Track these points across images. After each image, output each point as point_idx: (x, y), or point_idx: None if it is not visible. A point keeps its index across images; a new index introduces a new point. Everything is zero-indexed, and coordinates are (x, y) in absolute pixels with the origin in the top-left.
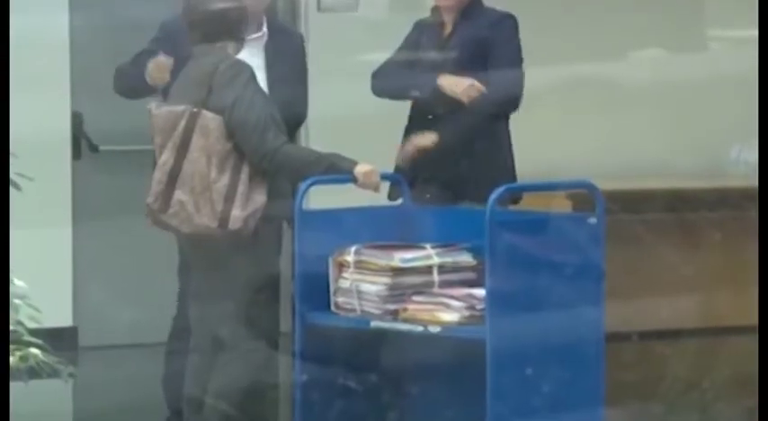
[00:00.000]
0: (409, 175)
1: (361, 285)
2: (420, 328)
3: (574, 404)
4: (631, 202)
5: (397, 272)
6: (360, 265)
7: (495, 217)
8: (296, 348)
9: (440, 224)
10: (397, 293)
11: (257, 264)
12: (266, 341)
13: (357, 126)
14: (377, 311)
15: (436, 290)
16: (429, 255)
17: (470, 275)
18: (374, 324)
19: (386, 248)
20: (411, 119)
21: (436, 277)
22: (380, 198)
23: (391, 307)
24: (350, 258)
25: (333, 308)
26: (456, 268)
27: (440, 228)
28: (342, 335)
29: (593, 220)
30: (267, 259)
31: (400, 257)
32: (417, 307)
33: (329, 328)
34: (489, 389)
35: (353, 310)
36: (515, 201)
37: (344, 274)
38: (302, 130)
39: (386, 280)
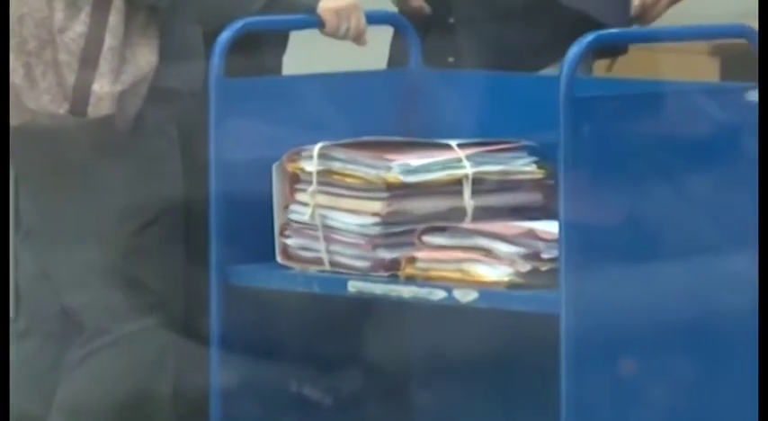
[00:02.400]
0: (422, 19)
1: (331, 216)
2: (441, 294)
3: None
4: None
5: (398, 190)
6: (329, 179)
7: (576, 90)
8: (211, 328)
9: (476, 104)
10: (398, 231)
11: (142, 179)
12: (161, 317)
13: None
14: (360, 264)
15: (469, 224)
16: (456, 161)
17: (531, 197)
18: (354, 286)
19: (377, 148)
20: None
21: (469, 201)
22: (369, 57)
23: (386, 255)
24: (310, 166)
25: (279, 257)
26: (505, 184)
27: (476, 113)
28: (295, 307)
29: (753, 96)
30: (160, 170)
31: (402, 164)
32: (435, 255)
33: (272, 295)
34: (564, 397)
35: (317, 262)
36: (613, 60)
37: (300, 196)
38: None
39: (377, 206)
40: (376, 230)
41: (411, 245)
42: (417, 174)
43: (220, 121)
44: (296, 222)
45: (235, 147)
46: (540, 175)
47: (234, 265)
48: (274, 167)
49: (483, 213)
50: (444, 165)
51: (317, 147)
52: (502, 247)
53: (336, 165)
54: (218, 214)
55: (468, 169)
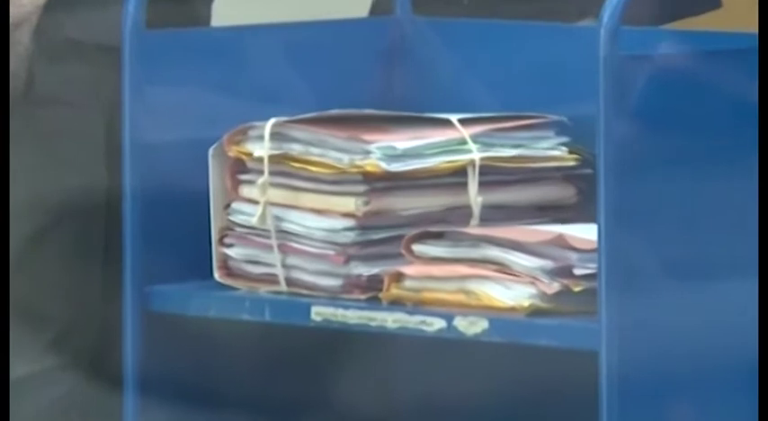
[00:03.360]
0: None
1: (288, 217)
2: (438, 324)
3: None
4: None
5: (380, 183)
6: (286, 167)
7: (622, 45)
8: (126, 370)
9: (485, 65)
10: (380, 238)
11: (34, 167)
12: (64, 356)
13: None
14: (328, 282)
15: (476, 228)
16: (458, 142)
17: (560, 192)
18: (320, 313)
19: (351, 124)
20: None
21: (476, 197)
22: (343, 4)
23: (364, 271)
24: (260, 150)
25: (218, 274)
26: (525, 174)
27: (485, 76)
28: (241, 341)
29: None
30: (59, 154)
31: (386, 147)
32: (429, 271)
33: (208, 324)
34: None
35: (269, 280)
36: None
37: (247, 190)
38: None
39: (350, 203)
40: (349, 237)
41: (397, 257)
42: (406, 161)
43: (138, 88)
44: (240, 226)
45: (158, 123)
46: (572, 162)
47: (156, 285)
48: (211, 152)
49: (495, 213)
50: (442, 148)
51: (269, 124)
52: (520, 260)
53: (296, 149)
54: (135, 215)
55: (475, 153)
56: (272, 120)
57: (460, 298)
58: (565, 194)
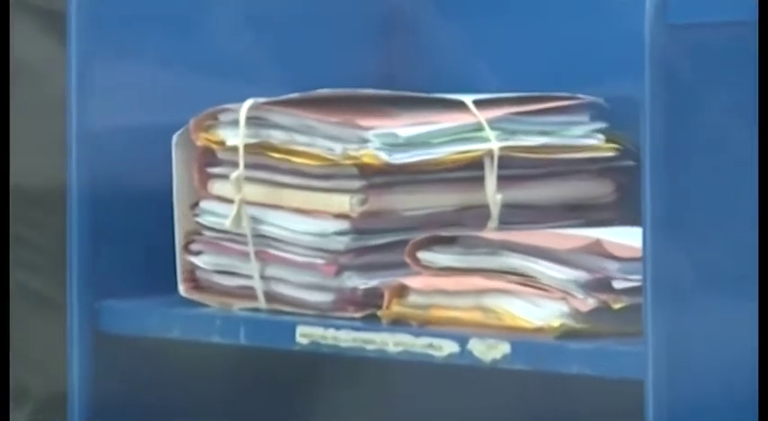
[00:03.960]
0: None
1: (268, 219)
2: (449, 348)
3: None
4: None
5: (379, 177)
6: (266, 158)
7: (670, 13)
8: (70, 400)
9: (504, 36)
10: (379, 243)
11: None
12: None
13: None
14: (316, 297)
15: (494, 233)
16: (473, 129)
17: (596, 188)
18: (307, 335)
19: (344, 107)
20: None
21: (494, 194)
22: None
23: (359, 284)
24: (234, 137)
25: (183, 287)
26: (554, 168)
27: (505, 50)
28: (211, 369)
29: None
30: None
31: (386, 134)
32: (438, 284)
33: (172, 348)
34: None
35: (245, 295)
36: None
37: (218, 187)
38: None
39: (344, 202)
40: (342, 243)
41: (400, 266)
42: (410, 151)
43: (87, 63)
44: (211, 230)
45: (109, 105)
46: (610, 152)
47: (107, 301)
48: (175, 140)
49: (517, 214)
50: (454, 136)
51: (244, 107)
52: (549, 271)
53: (277, 136)
54: (83, 216)
55: (494, 142)
56: (249, 102)
57: (476, 316)
58: (601, 191)
